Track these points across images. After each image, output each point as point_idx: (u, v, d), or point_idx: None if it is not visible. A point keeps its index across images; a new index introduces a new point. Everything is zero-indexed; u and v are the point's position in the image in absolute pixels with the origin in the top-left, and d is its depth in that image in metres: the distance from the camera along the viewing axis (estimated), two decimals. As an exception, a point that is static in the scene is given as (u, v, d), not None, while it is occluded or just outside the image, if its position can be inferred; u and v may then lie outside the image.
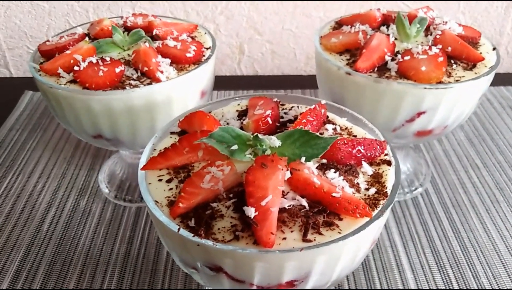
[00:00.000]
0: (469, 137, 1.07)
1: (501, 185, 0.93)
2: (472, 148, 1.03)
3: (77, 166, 0.99)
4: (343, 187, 0.50)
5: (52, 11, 1.35)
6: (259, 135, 0.51)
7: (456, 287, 0.74)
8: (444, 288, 0.74)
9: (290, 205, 0.48)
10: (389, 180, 0.54)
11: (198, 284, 0.75)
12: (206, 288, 0.73)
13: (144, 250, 0.80)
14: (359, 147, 0.54)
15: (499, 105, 1.17)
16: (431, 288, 0.74)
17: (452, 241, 0.82)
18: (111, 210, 0.88)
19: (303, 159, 0.52)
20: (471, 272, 0.76)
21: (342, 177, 0.51)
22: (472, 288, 0.74)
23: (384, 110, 0.73)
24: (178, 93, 0.73)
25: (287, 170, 0.49)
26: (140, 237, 0.83)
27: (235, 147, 0.52)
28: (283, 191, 0.49)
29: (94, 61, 0.72)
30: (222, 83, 1.20)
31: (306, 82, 1.36)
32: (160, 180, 0.54)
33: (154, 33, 0.80)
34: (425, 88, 0.69)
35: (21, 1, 1.34)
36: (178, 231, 0.47)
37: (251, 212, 0.46)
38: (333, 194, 0.48)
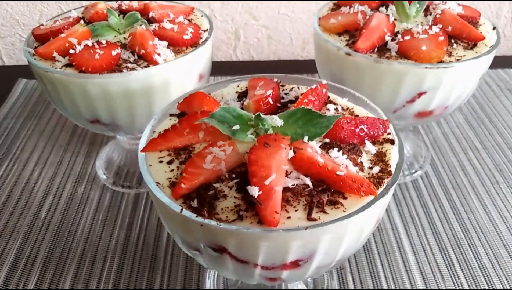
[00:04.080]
0: (468, 120, 1.06)
1: (500, 167, 0.93)
2: (471, 130, 1.03)
3: (74, 153, 0.98)
4: (347, 166, 0.49)
5: (45, -2, 1.33)
6: (261, 114, 0.50)
7: (458, 267, 0.74)
8: (446, 269, 0.74)
9: (293, 185, 0.48)
10: (393, 159, 0.53)
11: (199, 268, 0.74)
12: (207, 275, 0.73)
13: (143, 236, 0.80)
14: (362, 126, 0.53)
15: (497, 87, 1.17)
16: (433, 269, 0.74)
17: (453, 222, 0.81)
18: (109, 196, 0.87)
19: (305, 138, 0.51)
20: (473, 253, 0.76)
21: (345, 156, 0.50)
22: (474, 268, 0.74)
23: (384, 91, 0.73)
24: (175, 76, 0.72)
25: (290, 149, 0.49)
26: (140, 223, 0.82)
27: (236, 127, 0.51)
28: (286, 171, 0.48)
29: (90, 44, 0.71)
30: (218, 68, 1.19)
31: (303, 67, 1.35)
32: (160, 161, 0.53)
33: (150, 15, 0.79)
34: (426, 67, 0.69)
35: (13, -12, 1.31)
36: (181, 211, 0.46)
37: (255, 191, 0.45)
38: (337, 172, 0.47)
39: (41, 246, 0.78)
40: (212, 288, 0.72)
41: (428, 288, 0.71)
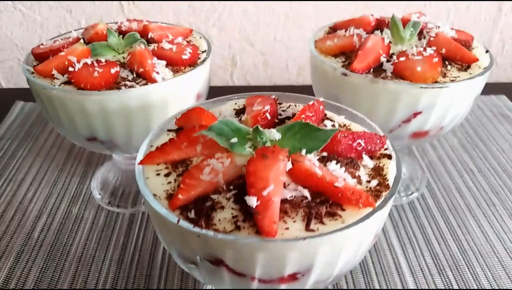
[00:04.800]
0: (462, 143, 1.07)
1: (496, 189, 0.93)
2: (465, 154, 1.04)
3: (69, 173, 0.98)
4: (344, 179, 0.49)
5: (44, 23, 1.35)
6: (259, 127, 0.51)
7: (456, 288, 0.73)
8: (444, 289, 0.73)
9: (292, 196, 0.48)
10: (390, 173, 0.53)
11: (195, 285, 0.73)
12: (204, 289, 0.72)
13: (138, 256, 0.79)
14: (360, 140, 0.54)
15: (491, 112, 1.18)
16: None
17: (450, 243, 0.81)
18: (104, 216, 0.87)
19: (303, 151, 0.51)
20: (471, 274, 0.76)
21: (343, 169, 0.51)
22: (473, 289, 0.73)
23: (380, 111, 0.74)
24: (173, 95, 0.73)
25: (288, 160, 0.49)
26: (134, 243, 0.81)
27: (234, 140, 0.51)
28: (284, 183, 0.48)
29: (89, 62, 0.71)
30: (215, 93, 1.18)
31: (299, 92, 1.35)
32: (158, 174, 0.53)
33: (149, 36, 0.80)
34: (421, 87, 0.70)
35: (13, 13, 1.33)
36: (178, 222, 0.46)
37: (252, 201, 0.45)
38: (336, 184, 0.47)
39: (34, 265, 0.77)
40: (207, 308, 0.71)
41: (427, 309, 0.71)
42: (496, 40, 1.41)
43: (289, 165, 0.49)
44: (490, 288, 0.73)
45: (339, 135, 0.53)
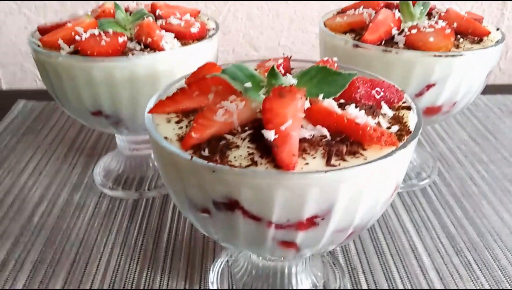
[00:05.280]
0: (472, 136, 1.05)
1: (510, 177, 0.91)
2: (476, 146, 1.02)
3: (71, 165, 0.95)
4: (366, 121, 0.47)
5: (49, 26, 1.35)
6: (275, 69, 0.49)
7: (476, 268, 0.70)
8: (464, 270, 0.69)
9: (310, 135, 0.45)
10: (411, 122, 0.51)
11: (201, 267, 0.69)
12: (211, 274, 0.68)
13: (142, 239, 0.75)
14: (378, 88, 0.52)
15: (499, 110, 1.17)
16: (450, 270, 0.69)
17: (466, 227, 0.78)
18: (106, 203, 0.83)
19: (320, 96, 0.49)
20: (490, 255, 0.72)
21: (363, 112, 0.48)
22: (493, 269, 0.69)
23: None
24: (181, 66, 0.71)
25: (306, 99, 0.47)
26: (138, 227, 0.78)
27: (249, 84, 0.49)
28: (301, 124, 0.46)
29: (96, 33, 0.70)
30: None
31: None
32: (168, 121, 0.51)
33: (157, 13, 0.79)
34: (435, 55, 0.68)
35: (18, 17, 1.33)
36: (191, 159, 0.43)
37: (270, 134, 0.42)
38: (357, 120, 0.45)
39: (32, 248, 0.73)
40: (216, 288, 0.67)
41: (447, 288, 0.67)
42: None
43: (307, 104, 0.46)
44: (513, 266, 0.69)
45: (357, 81, 0.51)
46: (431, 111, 0.76)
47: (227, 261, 0.71)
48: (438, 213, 0.81)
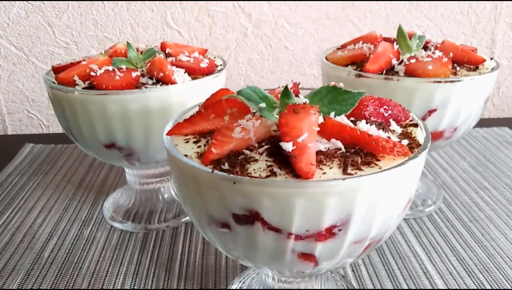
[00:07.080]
0: (473, 166, 1.08)
1: (514, 203, 0.92)
2: (478, 174, 1.04)
3: (80, 201, 0.96)
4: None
5: (56, 73, 1.39)
6: (288, 88, 0.52)
7: (489, 288, 0.70)
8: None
9: (325, 148, 0.47)
10: (419, 136, 0.54)
11: (215, 295, 0.69)
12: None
13: (154, 270, 0.75)
14: (386, 106, 0.55)
15: (496, 141, 1.20)
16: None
17: (476, 249, 0.79)
18: (116, 236, 0.84)
19: (332, 114, 0.51)
20: (503, 276, 0.73)
21: (374, 126, 0.51)
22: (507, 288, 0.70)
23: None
24: (192, 99, 0.74)
25: (320, 115, 0.49)
26: (149, 258, 0.78)
27: (263, 105, 0.52)
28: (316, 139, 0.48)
29: (111, 69, 0.74)
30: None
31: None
32: (187, 142, 0.53)
33: (166, 52, 0.83)
34: (435, 81, 0.72)
35: (26, 65, 1.38)
36: (212, 172, 0.45)
37: (288, 146, 0.44)
38: (370, 132, 0.47)
39: (43, 281, 0.73)
40: (230, 315, 0.66)
41: (462, 309, 0.67)
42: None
43: (321, 119, 0.49)
44: (525, 285, 0.70)
45: (366, 101, 0.54)
46: (433, 136, 0.78)
47: (240, 288, 0.71)
48: (447, 237, 0.82)
